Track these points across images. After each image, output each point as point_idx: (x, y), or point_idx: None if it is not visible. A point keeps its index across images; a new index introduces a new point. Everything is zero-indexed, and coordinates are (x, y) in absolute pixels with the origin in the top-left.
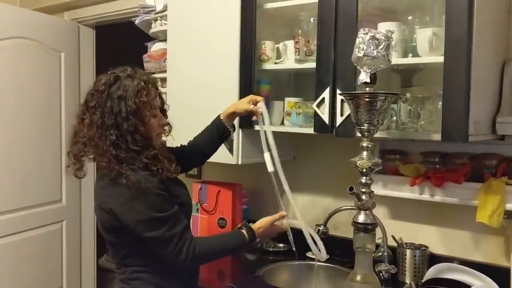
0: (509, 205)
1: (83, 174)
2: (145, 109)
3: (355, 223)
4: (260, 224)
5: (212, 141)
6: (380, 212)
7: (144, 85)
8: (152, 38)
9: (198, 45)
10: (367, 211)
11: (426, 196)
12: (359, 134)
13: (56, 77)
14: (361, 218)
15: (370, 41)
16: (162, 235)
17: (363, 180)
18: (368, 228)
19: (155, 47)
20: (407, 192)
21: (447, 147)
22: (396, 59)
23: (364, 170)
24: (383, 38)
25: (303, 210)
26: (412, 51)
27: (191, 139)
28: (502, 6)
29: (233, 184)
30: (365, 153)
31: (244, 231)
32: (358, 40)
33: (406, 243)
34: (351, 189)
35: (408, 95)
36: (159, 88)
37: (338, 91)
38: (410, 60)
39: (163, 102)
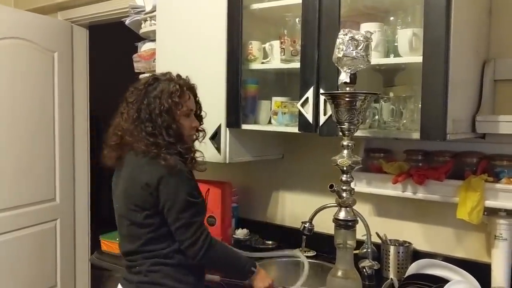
0: (489, 202)
1: (112, 163)
2: (176, 109)
3: (336, 220)
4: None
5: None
6: (365, 209)
7: (178, 87)
8: (145, 38)
9: (186, 45)
10: (348, 208)
11: (409, 194)
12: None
13: (49, 76)
14: (342, 215)
15: (350, 42)
16: (186, 219)
17: (344, 178)
18: (349, 225)
19: (145, 47)
20: (391, 190)
21: (430, 146)
22: (378, 59)
23: (345, 168)
24: (362, 39)
25: (291, 208)
26: (394, 51)
27: None
28: (483, 7)
29: (222, 182)
30: (345, 151)
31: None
32: (338, 41)
33: (390, 240)
34: (331, 186)
35: (391, 94)
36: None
37: (321, 91)
38: (391, 60)
39: (200, 108)
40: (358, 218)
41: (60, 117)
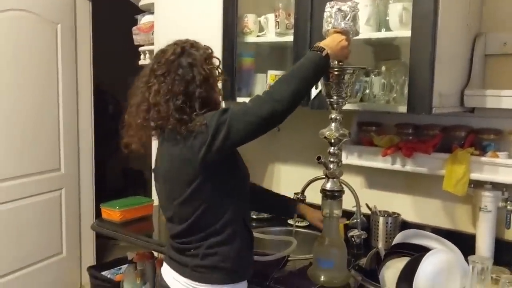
0: (474, 175)
1: (137, 146)
2: (213, 76)
3: (323, 190)
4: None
5: (270, 209)
6: (357, 181)
7: (210, 52)
8: (144, 11)
9: (183, 18)
10: (335, 179)
11: (398, 166)
12: None
13: (53, 48)
14: (329, 185)
15: (337, 13)
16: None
17: (331, 150)
18: (335, 195)
19: (144, 20)
20: (381, 162)
21: (420, 119)
22: (369, 33)
23: (332, 141)
24: (348, 9)
25: (286, 180)
26: (385, 25)
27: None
28: None
29: None
30: (333, 124)
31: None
32: (325, 14)
33: (380, 211)
34: (318, 158)
35: (383, 68)
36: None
37: None
38: (381, 34)
39: None
40: (344, 189)
41: (64, 88)
